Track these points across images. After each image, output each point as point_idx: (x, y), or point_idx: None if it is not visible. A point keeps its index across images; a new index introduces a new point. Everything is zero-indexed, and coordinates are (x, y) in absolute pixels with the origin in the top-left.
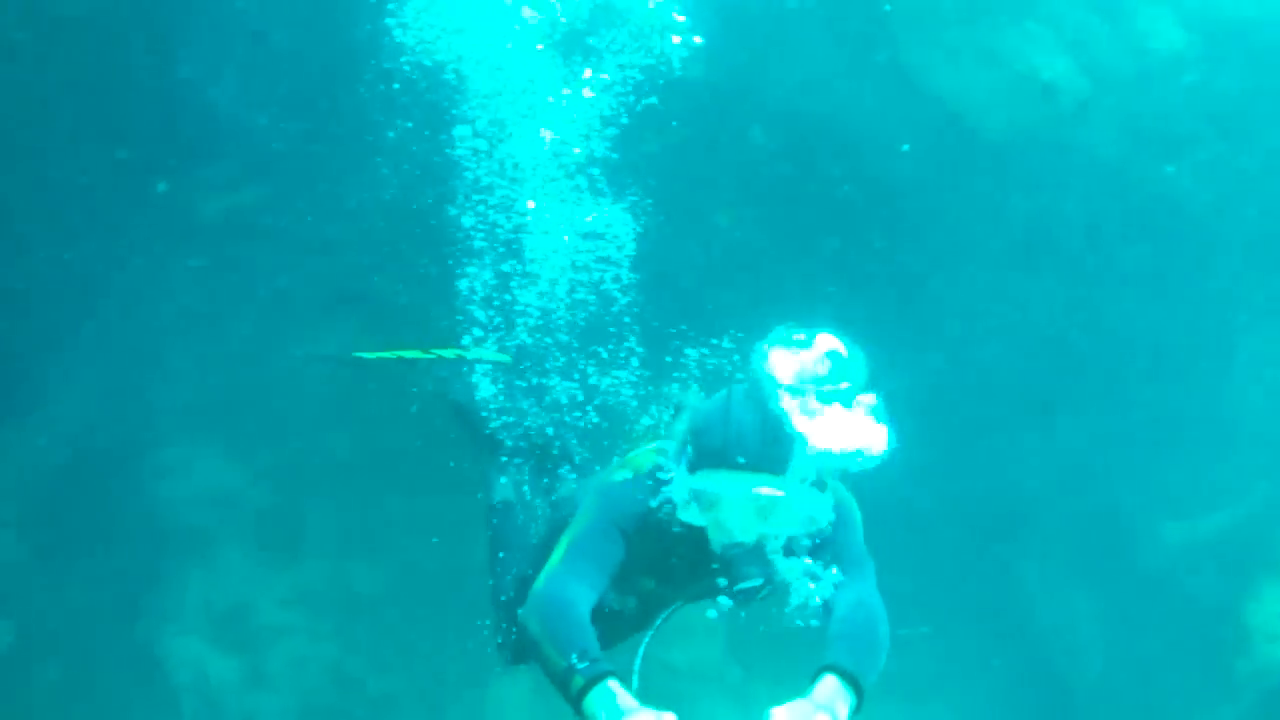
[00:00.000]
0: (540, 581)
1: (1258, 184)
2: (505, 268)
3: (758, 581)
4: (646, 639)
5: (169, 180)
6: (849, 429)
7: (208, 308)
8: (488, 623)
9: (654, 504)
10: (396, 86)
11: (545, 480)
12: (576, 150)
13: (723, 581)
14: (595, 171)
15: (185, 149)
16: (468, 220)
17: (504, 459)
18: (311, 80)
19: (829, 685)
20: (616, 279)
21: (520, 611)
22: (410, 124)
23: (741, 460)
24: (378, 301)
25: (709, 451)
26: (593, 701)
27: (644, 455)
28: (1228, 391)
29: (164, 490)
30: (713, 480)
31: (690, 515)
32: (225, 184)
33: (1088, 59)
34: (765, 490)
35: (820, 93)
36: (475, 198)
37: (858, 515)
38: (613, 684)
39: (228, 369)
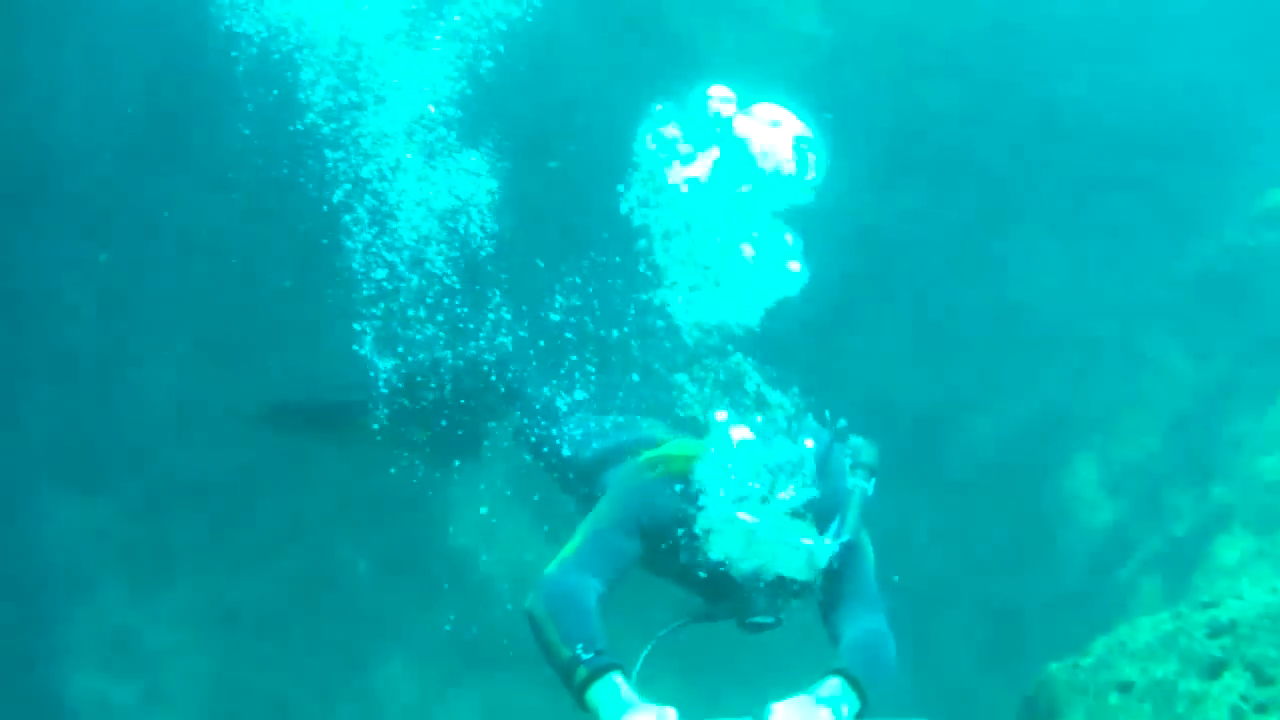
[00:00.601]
0: (551, 566)
1: (1016, 91)
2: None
3: (770, 620)
4: (648, 649)
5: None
6: None
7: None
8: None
9: (680, 517)
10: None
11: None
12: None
13: (735, 610)
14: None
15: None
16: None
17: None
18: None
19: (834, 685)
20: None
21: (528, 597)
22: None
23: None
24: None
25: (757, 483)
26: (596, 693)
27: (679, 460)
28: (1008, 296)
29: (35, 535)
30: (756, 514)
31: (719, 548)
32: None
33: None
34: (806, 541)
35: None
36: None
37: (870, 555)
38: (617, 678)
39: (73, 407)
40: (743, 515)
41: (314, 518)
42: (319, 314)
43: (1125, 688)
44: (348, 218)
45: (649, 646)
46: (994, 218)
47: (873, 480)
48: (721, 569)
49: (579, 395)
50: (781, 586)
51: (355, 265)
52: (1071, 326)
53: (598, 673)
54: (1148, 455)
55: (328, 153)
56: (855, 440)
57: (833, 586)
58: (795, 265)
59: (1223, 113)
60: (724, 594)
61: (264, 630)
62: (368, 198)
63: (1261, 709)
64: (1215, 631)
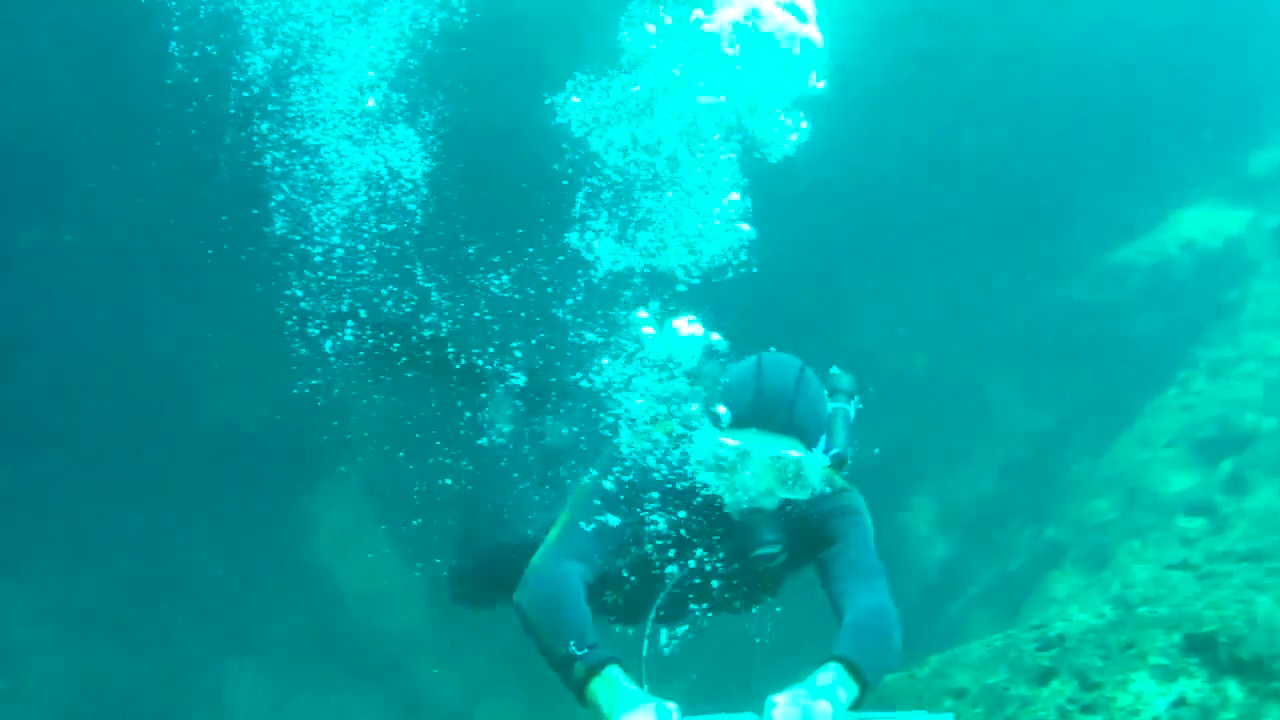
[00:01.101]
0: (536, 558)
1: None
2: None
3: (775, 549)
4: (647, 631)
5: None
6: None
7: None
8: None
9: (673, 463)
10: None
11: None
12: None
13: (737, 550)
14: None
15: None
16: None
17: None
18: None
19: (831, 673)
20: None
21: (517, 592)
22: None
23: (769, 421)
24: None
25: (733, 409)
26: (596, 689)
27: (663, 423)
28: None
29: None
30: (741, 437)
31: (711, 475)
32: None
33: None
34: (793, 453)
35: None
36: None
37: (869, 523)
38: (616, 671)
39: None
40: (727, 440)
41: (172, 520)
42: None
43: (959, 694)
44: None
45: (647, 628)
46: (853, 259)
47: (854, 401)
48: (716, 505)
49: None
50: (779, 513)
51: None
52: (912, 369)
53: (595, 668)
54: (983, 496)
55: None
56: (831, 370)
57: (833, 552)
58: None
59: (1077, 169)
60: (720, 539)
61: (119, 629)
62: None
63: (1089, 709)
64: (1044, 645)
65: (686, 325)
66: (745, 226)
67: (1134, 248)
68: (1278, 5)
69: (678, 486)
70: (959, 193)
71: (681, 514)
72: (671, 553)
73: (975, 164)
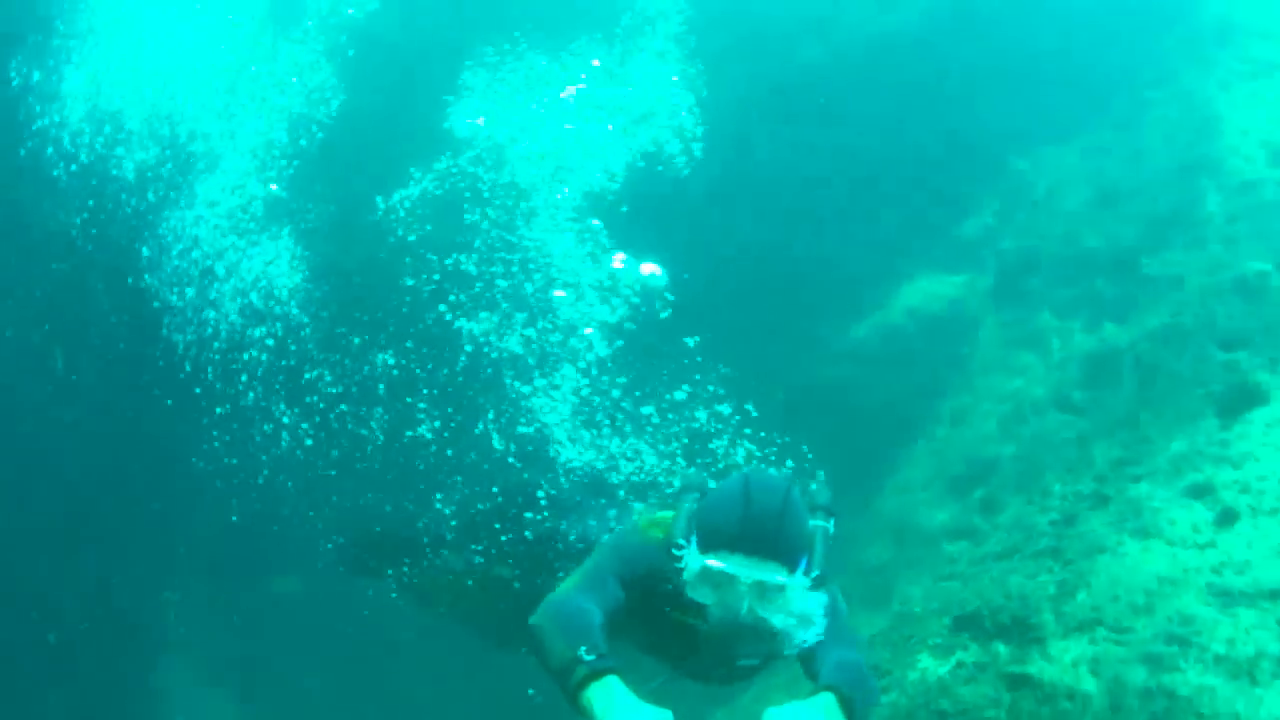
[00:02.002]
0: (555, 593)
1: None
2: None
3: (755, 661)
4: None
5: None
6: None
7: None
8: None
9: (670, 574)
10: None
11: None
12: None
13: (719, 656)
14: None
15: None
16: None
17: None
18: None
19: (826, 700)
20: None
21: (534, 614)
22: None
23: (756, 546)
24: None
25: (721, 533)
26: (593, 692)
27: (660, 525)
28: None
29: None
30: (727, 561)
31: (698, 592)
32: None
33: None
34: (778, 582)
35: None
36: None
37: (843, 605)
38: (616, 681)
39: None
40: (712, 562)
41: None
42: None
43: None
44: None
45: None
46: None
47: (832, 520)
48: (704, 617)
49: None
50: (762, 628)
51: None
52: None
53: (597, 674)
54: None
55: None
56: (812, 486)
57: (815, 649)
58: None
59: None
60: (708, 645)
61: None
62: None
63: (884, 691)
64: None
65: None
66: None
67: (868, 323)
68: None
69: (669, 588)
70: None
71: (672, 614)
72: (658, 640)
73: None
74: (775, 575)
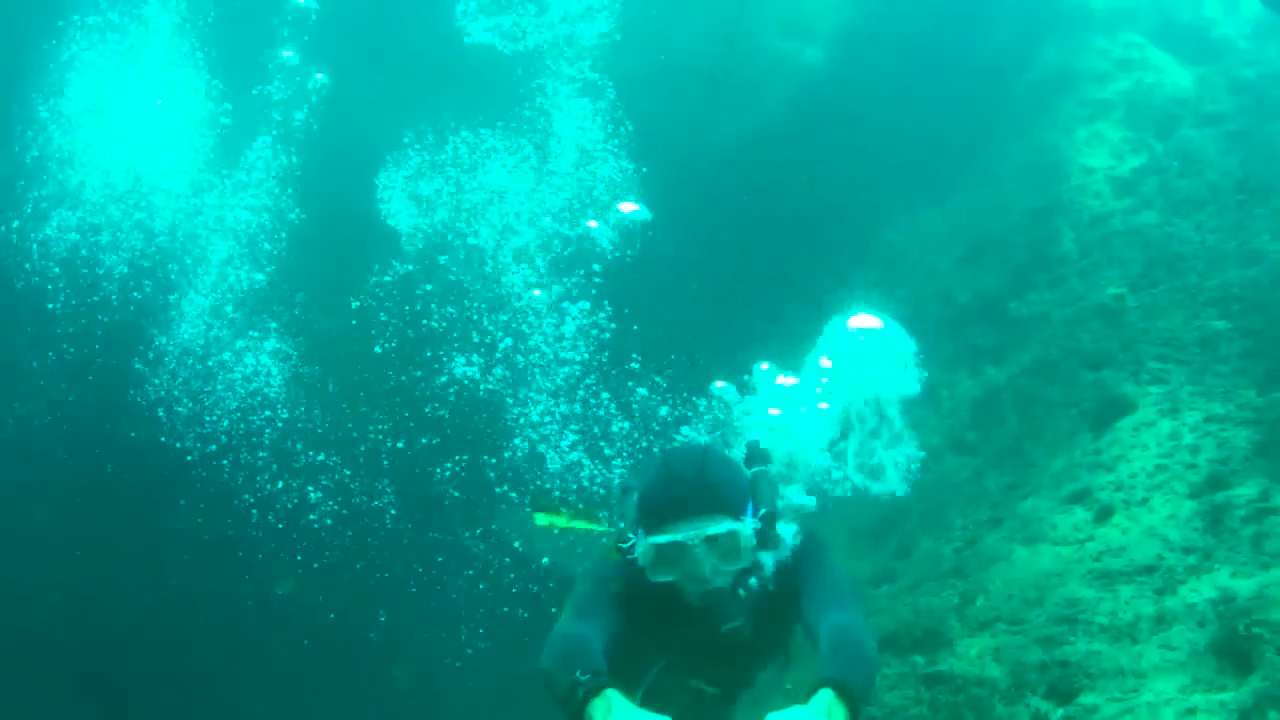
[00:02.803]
0: (552, 631)
1: None
2: None
3: (739, 621)
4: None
5: None
6: None
7: None
8: None
9: (639, 575)
10: None
11: None
12: None
13: (708, 632)
14: None
15: None
16: None
17: None
18: None
19: (824, 698)
20: None
21: (540, 658)
22: None
23: (691, 508)
24: None
25: (656, 509)
26: (593, 709)
27: (611, 540)
28: None
29: None
30: (669, 532)
31: (661, 574)
32: None
33: None
34: (724, 530)
35: None
36: None
37: (829, 552)
38: (614, 694)
39: None
40: (658, 540)
41: None
42: None
43: None
44: None
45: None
46: None
47: (770, 464)
48: (677, 597)
49: None
50: (733, 588)
51: None
52: None
53: (593, 691)
54: None
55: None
56: (748, 440)
57: (805, 598)
58: None
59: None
60: (704, 626)
61: None
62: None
63: None
64: None
65: None
66: None
67: None
68: None
69: (642, 591)
70: None
71: (650, 613)
72: (654, 642)
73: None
74: (720, 525)
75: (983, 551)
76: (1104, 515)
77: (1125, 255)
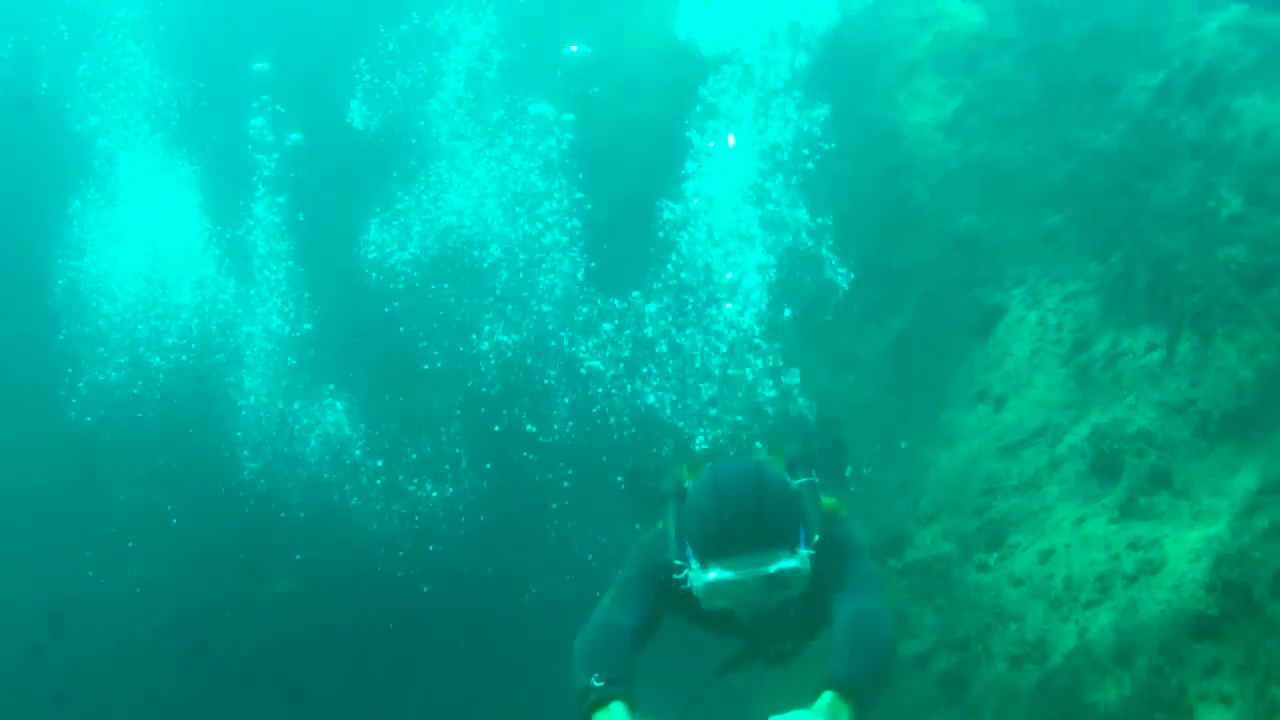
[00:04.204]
0: (595, 612)
1: None
2: None
3: (789, 645)
4: (686, 703)
5: None
6: None
7: None
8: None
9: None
10: None
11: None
12: None
13: (755, 645)
14: None
15: None
16: None
17: None
18: None
19: (828, 699)
20: None
21: (573, 645)
22: None
23: (746, 543)
24: None
25: (711, 540)
26: (599, 718)
27: (663, 528)
28: None
29: None
30: (726, 567)
31: (714, 604)
32: None
33: None
34: (784, 568)
35: None
36: None
37: (855, 538)
38: (620, 708)
39: None
40: (714, 575)
41: None
42: None
43: None
44: None
45: (687, 701)
46: None
47: (814, 473)
48: (728, 617)
49: None
50: (784, 610)
51: None
52: None
53: (602, 701)
54: None
55: None
56: (786, 447)
57: (823, 580)
58: None
59: None
60: (754, 631)
61: None
62: None
63: None
64: None
65: None
66: None
67: None
68: None
69: (691, 593)
70: None
71: (696, 611)
72: (709, 622)
73: None
74: (778, 563)
75: (919, 463)
76: (1000, 404)
77: (967, 187)
